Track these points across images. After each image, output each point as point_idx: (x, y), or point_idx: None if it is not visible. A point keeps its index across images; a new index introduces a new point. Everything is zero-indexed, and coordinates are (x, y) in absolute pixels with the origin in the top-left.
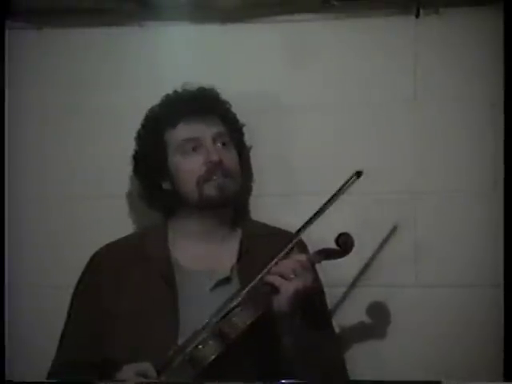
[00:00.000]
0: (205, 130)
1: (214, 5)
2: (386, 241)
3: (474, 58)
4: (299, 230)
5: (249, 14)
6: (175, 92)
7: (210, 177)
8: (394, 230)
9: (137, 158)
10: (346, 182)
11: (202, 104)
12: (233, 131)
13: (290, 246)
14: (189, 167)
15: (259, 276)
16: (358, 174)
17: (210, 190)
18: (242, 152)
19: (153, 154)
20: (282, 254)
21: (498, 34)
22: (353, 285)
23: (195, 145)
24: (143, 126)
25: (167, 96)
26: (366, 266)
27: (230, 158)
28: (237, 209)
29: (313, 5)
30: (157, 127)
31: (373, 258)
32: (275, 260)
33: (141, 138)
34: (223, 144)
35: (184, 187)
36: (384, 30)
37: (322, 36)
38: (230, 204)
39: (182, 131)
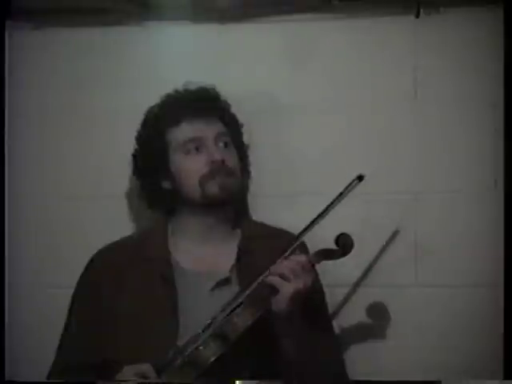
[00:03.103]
0: (207, 130)
1: (213, 5)
2: (386, 241)
3: (474, 57)
4: (300, 234)
5: (248, 14)
6: (176, 91)
7: (212, 176)
8: (394, 230)
9: (137, 157)
10: (348, 186)
11: (204, 104)
12: (232, 131)
13: (291, 249)
14: (191, 166)
15: (259, 279)
16: (360, 178)
17: (214, 188)
18: (242, 151)
19: (154, 152)
20: (283, 257)
21: (498, 34)
22: (353, 285)
23: (198, 145)
24: (144, 124)
25: (168, 95)
26: (367, 267)
27: (232, 158)
28: (236, 208)
29: (313, 4)
30: (158, 126)
31: (373, 259)
32: (276, 264)
33: (142, 136)
34: (225, 144)
35: (186, 186)
36: (384, 30)
37: (322, 36)
38: (231, 202)
39: (185, 131)
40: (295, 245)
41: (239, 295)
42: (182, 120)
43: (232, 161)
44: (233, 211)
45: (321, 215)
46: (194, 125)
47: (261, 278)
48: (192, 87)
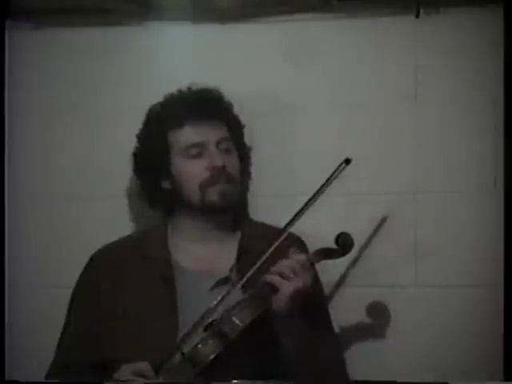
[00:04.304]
0: (209, 134)
1: (214, 5)
2: (386, 241)
3: (474, 57)
4: (288, 223)
5: (249, 14)
6: (180, 91)
7: (213, 182)
8: (394, 229)
9: (138, 155)
10: (335, 171)
11: (207, 106)
12: (235, 133)
13: (280, 239)
14: (192, 170)
15: (251, 271)
16: (347, 161)
17: (213, 196)
18: (243, 153)
19: (155, 153)
20: (274, 246)
21: (498, 34)
22: (353, 285)
23: (200, 149)
24: (146, 123)
25: (171, 95)
26: (367, 266)
27: (233, 163)
28: (236, 210)
29: (313, 4)
30: (160, 127)
31: (373, 258)
32: (266, 254)
33: (143, 135)
34: (227, 148)
35: (186, 189)
36: (384, 30)
37: (322, 36)
38: (231, 208)
39: (188, 135)
40: (284, 235)
41: (239, 295)
42: (185, 123)
43: (233, 166)
44: (232, 215)
45: (309, 202)
46: (196, 128)
47: (252, 271)
48: (195, 88)
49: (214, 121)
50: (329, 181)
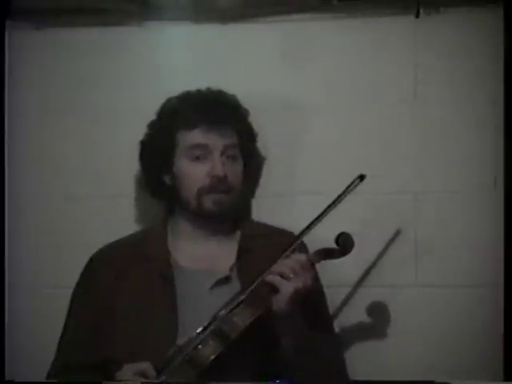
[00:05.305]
0: (216, 140)
1: (214, 5)
2: (386, 241)
3: (474, 57)
4: (301, 233)
5: (249, 14)
6: (198, 91)
7: (211, 190)
8: (394, 230)
9: (145, 145)
10: (349, 186)
11: (221, 113)
12: (244, 141)
13: (291, 249)
14: (193, 173)
15: (259, 279)
16: (361, 177)
17: (209, 203)
18: (251, 161)
19: (160, 148)
20: (283, 257)
21: (498, 34)
22: (353, 285)
23: (203, 152)
24: (159, 116)
25: (189, 93)
26: (367, 266)
27: (235, 171)
28: (237, 213)
29: (313, 4)
30: (171, 124)
31: (373, 258)
32: (278, 261)
33: (154, 128)
34: (232, 157)
35: (184, 191)
36: (384, 30)
37: (322, 36)
38: (228, 215)
39: (195, 137)
40: (295, 244)
41: (239, 294)
42: (195, 126)
43: (235, 175)
44: (231, 219)
45: (322, 215)
46: (205, 133)
47: (260, 278)
48: (213, 91)
49: (224, 127)
50: (342, 196)
